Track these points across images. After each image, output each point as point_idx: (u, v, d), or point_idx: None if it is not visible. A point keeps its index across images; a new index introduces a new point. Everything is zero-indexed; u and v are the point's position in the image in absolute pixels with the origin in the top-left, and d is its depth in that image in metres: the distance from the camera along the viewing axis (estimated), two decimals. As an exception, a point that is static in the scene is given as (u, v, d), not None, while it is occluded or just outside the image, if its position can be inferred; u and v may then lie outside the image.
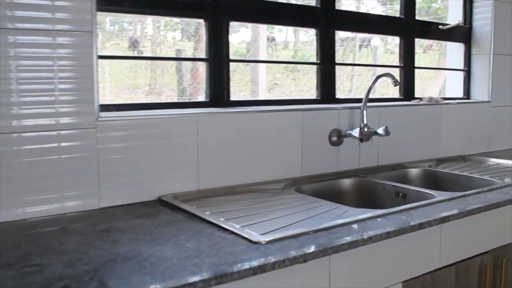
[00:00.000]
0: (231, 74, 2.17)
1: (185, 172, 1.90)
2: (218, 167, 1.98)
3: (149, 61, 2.54)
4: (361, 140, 2.35)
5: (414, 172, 2.51)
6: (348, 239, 1.37)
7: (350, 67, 4.03)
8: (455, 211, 1.67)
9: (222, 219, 1.57)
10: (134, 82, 2.50)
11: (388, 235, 1.45)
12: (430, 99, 2.75)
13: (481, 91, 3.11)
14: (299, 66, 3.25)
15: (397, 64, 2.80)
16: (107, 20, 2.29)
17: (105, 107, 1.84)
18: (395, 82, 2.21)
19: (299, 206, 1.77)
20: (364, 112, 2.29)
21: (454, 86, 3.20)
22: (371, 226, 1.49)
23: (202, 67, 2.26)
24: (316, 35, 2.43)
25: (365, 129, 2.28)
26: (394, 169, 2.49)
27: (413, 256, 1.58)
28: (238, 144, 2.02)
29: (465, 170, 2.48)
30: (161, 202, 1.81)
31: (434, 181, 2.48)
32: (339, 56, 4.05)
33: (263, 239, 1.35)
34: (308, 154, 2.23)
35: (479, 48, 3.11)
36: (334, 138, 2.30)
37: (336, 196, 2.18)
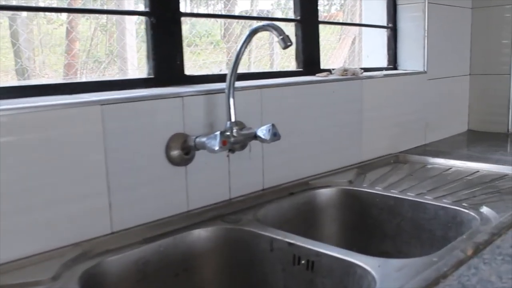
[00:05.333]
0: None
1: None
2: None
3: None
4: (231, 151, 1.29)
5: (325, 196, 1.48)
6: None
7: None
8: None
9: None
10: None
11: None
12: (345, 71, 1.73)
13: (412, 57, 2.14)
14: (197, 40, 2.70)
15: (292, 16, 1.75)
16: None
17: None
18: (284, 40, 1.14)
19: None
20: (231, 100, 1.22)
21: (373, 52, 2.21)
22: None
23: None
24: (140, -41, 1.31)
25: (234, 133, 1.21)
26: (292, 194, 1.45)
27: None
28: None
29: (407, 188, 1.49)
30: None
31: (360, 213, 1.47)
32: (237, 33, 3.02)
33: None
34: (122, 189, 1.13)
35: (407, -5, 2.13)
36: (176, 152, 1.21)
37: (174, 278, 1.11)
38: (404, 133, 2.00)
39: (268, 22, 1.18)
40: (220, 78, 1.44)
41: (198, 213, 1.27)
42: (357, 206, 1.47)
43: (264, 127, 1.24)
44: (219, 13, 2.59)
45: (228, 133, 1.21)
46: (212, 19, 2.87)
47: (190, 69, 2.66)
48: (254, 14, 3.54)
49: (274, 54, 3.54)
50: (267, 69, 2.92)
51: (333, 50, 3.99)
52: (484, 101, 2.43)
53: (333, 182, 1.53)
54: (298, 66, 1.74)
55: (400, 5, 2.13)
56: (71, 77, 2.51)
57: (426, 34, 2.08)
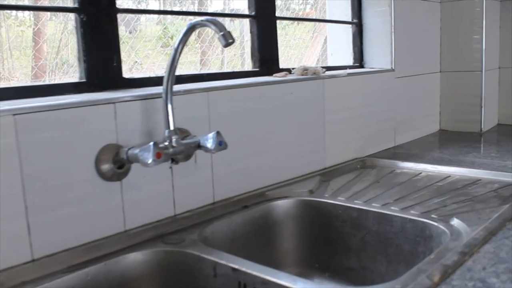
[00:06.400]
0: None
1: None
2: None
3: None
4: (174, 162, 1.15)
5: (282, 208, 1.35)
6: None
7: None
8: None
9: None
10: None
11: None
12: (305, 70, 1.60)
13: (379, 54, 2.02)
14: (170, 41, 2.62)
15: (246, 12, 1.61)
16: None
17: None
18: (225, 37, 1.00)
19: None
20: (169, 106, 1.08)
21: (338, 49, 2.09)
22: None
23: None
24: None
25: (173, 142, 1.07)
26: (246, 207, 1.31)
27: None
28: None
29: (372, 197, 1.36)
30: None
31: (321, 226, 1.35)
32: (212, 33, 2.88)
33: None
34: (43, 209, 0.98)
35: (373, -12, 2.01)
36: (107, 166, 1.06)
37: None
38: (372, 136, 1.88)
39: (208, 17, 1.04)
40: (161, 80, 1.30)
41: (136, 233, 1.12)
42: (318, 219, 1.34)
43: (208, 136, 1.10)
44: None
45: (166, 143, 1.07)
46: (186, 19, 2.73)
47: (161, 68, 2.54)
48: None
49: (245, 54, 3.40)
50: (238, 69, 2.79)
51: (306, 49, 3.89)
52: (455, 99, 2.33)
53: (292, 192, 1.40)
54: (254, 66, 1.61)
55: (365, -1, 2.01)
56: (38, 80, 2.37)
57: (393, 30, 1.96)
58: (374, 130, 1.89)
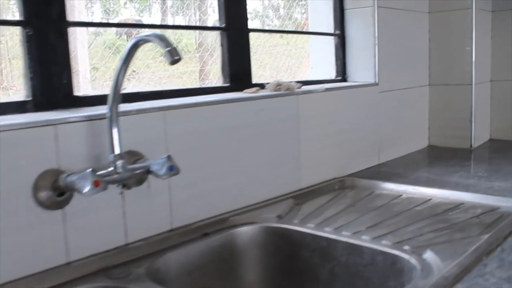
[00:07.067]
0: None
1: None
2: None
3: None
4: (126, 187, 1.06)
5: (246, 236, 1.26)
6: None
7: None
8: None
9: None
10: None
11: None
12: (278, 86, 1.51)
13: (362, 68, 1.93)
14: None
15: (217, 24, 1.53)
16: None
17: None
18: (171, 53, 0.91)
19: None
20: (114, 129, 0.99)
21: (320, 62, 2.00)
22: None
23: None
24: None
25: (118, 168, 0.98)
26: (207, 234, 1.22)
27: None
28: None
29: (343, 224, 1.27)
30: None
31: (288, 256, 1.25)
32: (210, 40, 2.80)
33: None
34: (-34, 245, 0.89)
35: (356, -2, 1.92)
36: (45, 193, 0.97)
37: None
38: (353, 154, 1.78)
39: (153, 32, 0.95)
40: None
41: (80, 265, 1.03)
42: (285, 247, 1.25)
43: (159, 160, 1.01)
44: (195, 24, 2.31)
45: (110, 169, 0.98)
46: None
47: (162, 79, 2.46)
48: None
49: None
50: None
51: (303, 59, 3.82)
52: (445, 114, 2.23)
53: (259, 218, 1.30)
54: (224, 81, 1.52)
55: (348, 9, 1.92)
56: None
57: (376, 42, 1.87)
58: (355, 148, 1.79)
